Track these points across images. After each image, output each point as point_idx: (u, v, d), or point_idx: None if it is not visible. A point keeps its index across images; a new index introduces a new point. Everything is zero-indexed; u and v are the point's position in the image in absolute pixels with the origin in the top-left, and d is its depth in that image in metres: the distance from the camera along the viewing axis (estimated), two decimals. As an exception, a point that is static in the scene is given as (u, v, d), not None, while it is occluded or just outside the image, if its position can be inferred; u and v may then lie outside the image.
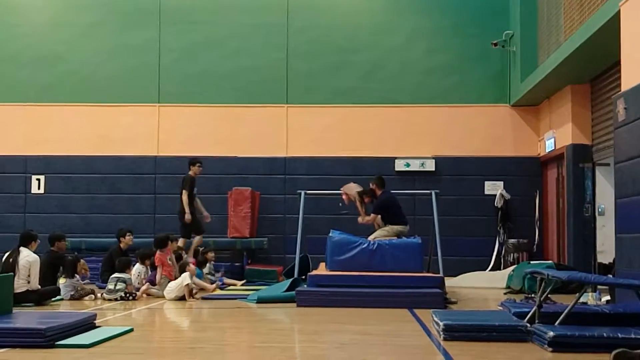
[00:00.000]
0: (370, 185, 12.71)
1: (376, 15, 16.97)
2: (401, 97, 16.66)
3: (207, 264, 13.77)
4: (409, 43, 16.80)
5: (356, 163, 16.27)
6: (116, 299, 11.38)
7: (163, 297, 11.75)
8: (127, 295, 11.47)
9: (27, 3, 17.25)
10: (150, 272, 12.53)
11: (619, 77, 10.25)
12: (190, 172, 14.43)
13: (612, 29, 10.18)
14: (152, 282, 12.26)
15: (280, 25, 16.87)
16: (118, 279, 11.58)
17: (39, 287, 10.88)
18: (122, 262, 12.03)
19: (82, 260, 12.10)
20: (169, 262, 12.49)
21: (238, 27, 16.95)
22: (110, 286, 11.57)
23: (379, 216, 12.45)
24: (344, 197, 13.32)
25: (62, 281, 11.83)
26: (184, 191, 14.13)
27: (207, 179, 16.47)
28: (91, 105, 16.87)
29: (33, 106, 16.93)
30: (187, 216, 14.08)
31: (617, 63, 10.61)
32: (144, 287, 11.96)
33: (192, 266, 12.15)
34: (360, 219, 12.78)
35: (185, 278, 11.62)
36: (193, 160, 14.62)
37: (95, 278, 13.53)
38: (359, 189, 13.01)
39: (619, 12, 9.83)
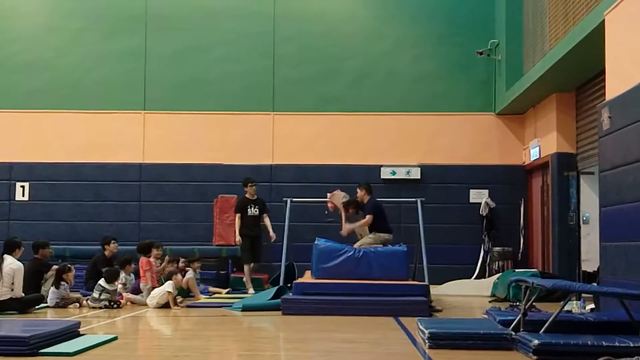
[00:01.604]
0: (358, 190, 12.72)
1: (363, 23, 17.01)
2: (387, 105, 16.69)
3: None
4: (396, 51, 16.84)
5: (342, 171, 16.28)
6: (100, 307, 11.34)
7: (146, 304, 11.71)
8: (112, 303, 11.42)
9: (14, 9, 17.18)
10: (134, 280, 12.50)
11: (604, 86, 10.32)
12: (247, 195, 14.39)
13: (596, 38, 10.24)
14: (137, 290, 12.22)
15: (267, 33, 16.87)
16: (103, 289, 11.51)
17: (23, 294, 10.82)
18: (110, 272, 11.91)
19: (72, 269, 12.02)
20: (154, 268, 12.47)
21: (224, 34, 16.94)
22: (95, 295, 11.52)
23: (364, 225, 12.45)
24: (329, 204, 13.36)
25: (46, 288, 11.78)
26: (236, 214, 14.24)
27: (192, 186, 16.51)
28: (77, 112, 16.79)
29: (18, 113, 16.83)
30: (237, 238, 14.13)
31: (602, 72, 10.67)
32: (128, 296, 11.92)
33: (179, 276, 12.12)
34: (342, 231, 12.80)
35: (168, 285, 11.58)
36: (245, 181, 14.52)
37: (80, 286, 13.44)
38: (346, 198, 13.03)
39: (603, 21, 9.89)
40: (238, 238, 14.14)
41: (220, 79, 16.83)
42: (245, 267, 14.15)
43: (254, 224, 14.28)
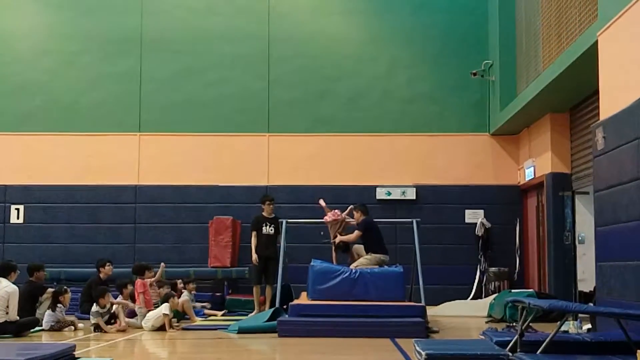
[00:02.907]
0: (354, 212, 12.67)
1: (357, 45, 17.08)
2: (382, 126, 16.74)
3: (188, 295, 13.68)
4: (390, 73, 16.91)
5: (338, 191, 16.27)
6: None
7: (141, 327, 11.65)
8: (96, 329, 11.28)
9: (9, 32, 17.22)
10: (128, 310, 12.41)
11: (598, 106, 10.34)
12: (264, 212, 13.80)
13: (590, 58, 10.30)
14: (133, 313, 12.16)
15: (261, 55, 16.93)
16: (97, 313, 11.44)
17: (18, 318, 10.76)
18: (98, 290, 11.89)
19: (68, 292, 11.96)
20: (150, 290, 12.42)
21: (219, 57, 17.00)
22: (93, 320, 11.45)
23: (362, 246, 12.42)
24: (329, 217, 12.94)
25: (41, 311, 11.72)
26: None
27: (187, 207, 16.50)
28: (72, 134, 16.80)
29: (13, 135, 16.84)
30: (253, 257, 13.50)
31: (596, 92, 10.71)
32: (122, 322, 11.74)
33: (176, 298, 12.08)
34: (336, 239, 12.60)
35: (164, 308, 11.54)
36: (263, 198, 14.01)
37: (75, 308, 13.39)
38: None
39: (596, 42, 9.95)
40: (254, 257, 13.45)
41: (216, 100, 16.87)
42: (254, 289, 13.69)
43: (269, 243, 13.53)
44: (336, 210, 12.84)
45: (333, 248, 12.77)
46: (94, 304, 11.50)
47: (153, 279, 12.88)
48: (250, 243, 13.60)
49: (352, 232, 12.51)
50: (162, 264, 13.42)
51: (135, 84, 16.95)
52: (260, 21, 17.01)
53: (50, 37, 17.23)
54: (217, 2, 17.21)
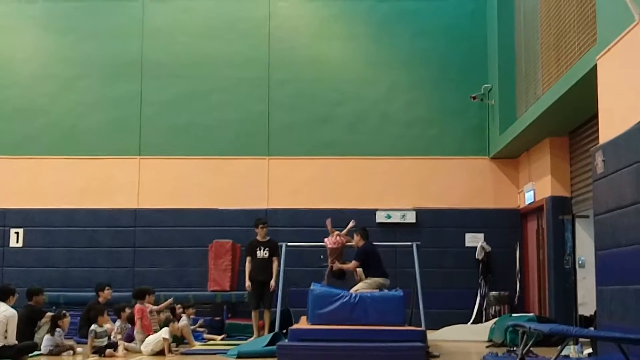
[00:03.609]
0: (354, 234, 12.66)
1: (357, 69, 17.13)
2: (382, 149, 16.76)
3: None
4: (390, 96, 16.96)
5: (338, 215, 16.15)
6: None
7: (140, 352, 11.59)
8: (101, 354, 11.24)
9: (10, 56, 17.29)
10: (129, 327, 12.38)
11: (597, 130, 10.36)
12: (258, 236, 13.75)
13: (589, 82, 10.33)
14: (132, 337, 12.10)
15: (262, 78, 16.99)
16: (96, 333, 11.40)
17: (16, 342, 10.70)
18: (96, 309, 11.86)
19: (67, 316, 11.91)
20: (148, 315, 12.36)
21: (220, 80, 17.05)
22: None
23: (351, 269, 12.39)
24: (329, 243, 12.85)
25: (40, 335, 11.65)
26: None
27: (187, 231, 16.47)
28: (72, 157, 16.82)
29: (12, 159, 16.86)
30: (247, 283, 13.51)
31: (595, 116, 10.73)
32: (120, 346, 11.70)
33: (176, 323, 12.03)
34: (334, 265, 12.56)
35: (164, 332, 11.48)
36: (256, 222, 13.93)
37: (73, 333, 13.32)
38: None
39: (595, 66, 9.98)
40: (247, 283, 13.49)
41: (216, 124, 16.90)
42: (253, 314, 13.64)
43: (263, 267, 13.48)
44: (338, 237, 12.73)
45: (327, 272, 12.72)
46: (93, 324, 11.46)
47: (156, 308, 12.80)
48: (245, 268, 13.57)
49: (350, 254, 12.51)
50: (171, 299, 13.39)
51: (135, 107, 17.00)
52: (260, 45, 17.08)
53: (51, 61, 17.29)
54: (218, 26, 17.29)
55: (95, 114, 17.01)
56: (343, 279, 12.57)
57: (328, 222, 13.05)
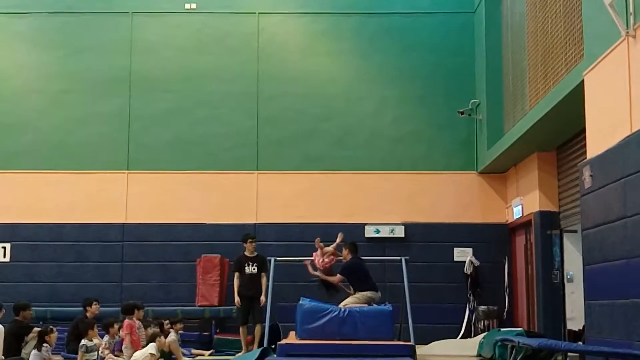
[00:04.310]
0: (343, 249, 12.66)
1: (345, 84, 17.17)
2: (371, 164, 16.78)
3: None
4: (378, 112, 17.00)
5: (326, 229, 16.19)
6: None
7: (128, 367, 11.54)
8: None
9: (-3, 71, 17.26)
10: (118, 340, 12.31)
11: (585, 145, 10.41)
12: (246, 252, 13.83)
13: (576, 97, 10.38)
14: (120, 351, 12.04)
15: (250, 93, 17.00)
16: (86, 348, 11.35)
17: (3, 358, 10.64)
18: (85, 323, 11.80)
19: (55, 331, 11.84)
20: (137, 331, 12.29)
21: (208, 95, 17.06)
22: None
23: (336, 282, 12.38)
24: (320, 264, 12.85)
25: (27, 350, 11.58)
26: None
27: (175, 246, 16.43)
28: (60, 172, 16.75)
29: (0, 173, 16.78)
30: (236, 299, 13.57)
31: (582, 131, 10.79)
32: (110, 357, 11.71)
33: (162, 338, 11.97)
34: (317, 272, 12.55)
35: (151, 348, 11.42)
36: (244, 237, 14.01)
37: (61, 348, 13.24)
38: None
39: (582, 81, 10.04)
40: (236, 299, 13.54)
41: (204, 139, 16.89)
42: (241, 329, 13.67)
43: (252, 283, 13.54)
44: (326, 258, 12.72)
45: (318, 282, 12.73)
46: (83, 339, 11.40)
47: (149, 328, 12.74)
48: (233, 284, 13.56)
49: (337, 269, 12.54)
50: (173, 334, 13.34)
51: (123, 122, 16.97)
52: (249, 60, 17.10)
53: (39, 75, 17.25)
54: (206, 41, 17.30)
55: (84, 129, 16.97)
56: (335, 291, 12.56)
57: (317, 241, 12.97)
